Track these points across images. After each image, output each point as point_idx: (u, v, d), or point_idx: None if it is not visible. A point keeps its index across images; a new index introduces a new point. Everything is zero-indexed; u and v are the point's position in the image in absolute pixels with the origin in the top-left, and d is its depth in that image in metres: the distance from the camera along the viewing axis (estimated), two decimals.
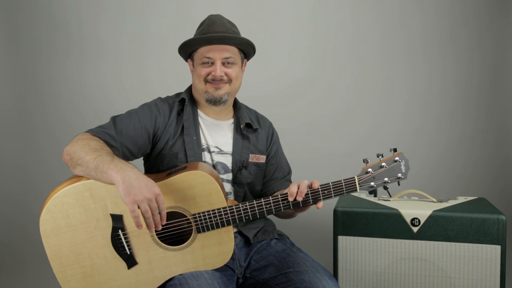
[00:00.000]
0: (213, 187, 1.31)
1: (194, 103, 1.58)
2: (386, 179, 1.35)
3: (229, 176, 1.53)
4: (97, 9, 3.06)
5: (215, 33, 1.47)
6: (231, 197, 1.54)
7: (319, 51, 3.03)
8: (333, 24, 3.01)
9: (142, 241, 1.30)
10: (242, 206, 1.33)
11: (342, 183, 1.33)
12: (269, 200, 1.33)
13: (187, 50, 1.54)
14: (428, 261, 1.69)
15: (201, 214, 1.31)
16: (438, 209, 1.70)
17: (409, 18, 2.94)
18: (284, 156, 1.74)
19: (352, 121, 3.03)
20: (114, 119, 1.44)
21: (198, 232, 1.32)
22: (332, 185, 1.33)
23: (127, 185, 1.15)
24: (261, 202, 1.33)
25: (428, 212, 1.69)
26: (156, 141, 1.48)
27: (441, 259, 1.68)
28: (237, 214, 1.32)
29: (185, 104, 1.55)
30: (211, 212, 1.31)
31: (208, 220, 1.31)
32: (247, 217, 1.33)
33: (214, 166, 1.51)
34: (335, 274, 1.78)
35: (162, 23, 3.04)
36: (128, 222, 1.28)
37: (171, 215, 1.30)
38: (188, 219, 1.32)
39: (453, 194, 2.07)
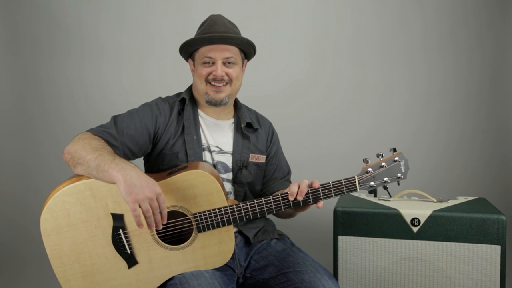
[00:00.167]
0: (214, 187, 1.31)
1: (194, 102, 1.59)
2: (386, 178, 1.36)
3: (229, 175, 1.54)
4: (97, 9, 3.06)
5: (216, 33, 1.47)
6: (231, 196, 1.54)
7: (319, 51, 3.03)
8: (333, 24, 3.01)
9: (142, 240, 1.30)
10: (243, 206, 1.33)
11: (342, 182, 1.33)
12: (270, 199, 1.33)
13: (188, 50, 1.54)
14: (428, 261, 1.69)
15: (202, 214, 1.31)
16: (438, 209, 1.70)
17: (409, 18, 2.95)
18: (284, 157, 1.74)
19: (352, 121, 3.03)
20: (115, 118, 1.44)
21: (199, 231, 1.32)
22: (332, 185, 1.33)
23: (129, 184, 1.15)
24: (262, 201, 1.33)
25: (428, 212, 1.69)
26: (157, 141, 1.49)
27: (441, 259, 1.68)
28: (238, 214, 1.32)
29: (185, 103, 1.55)
30: (211, 212, 1.31)
31: (208, 220, 1.31)
32: (247, 217, 1.34)
33: (214, 166, 1.51)
34: (335, 274, 1.78)
35: (162, 23, 3.05)
36: (129, 222, 1.28)
37: (172, 215, 1.30)
38: (189, 219, 1.32)
39: (453, 194, 2.07)
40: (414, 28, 2.94)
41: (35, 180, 3.12)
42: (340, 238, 1.76)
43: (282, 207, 1.34)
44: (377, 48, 2.99)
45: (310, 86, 3.04)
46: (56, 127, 3.11)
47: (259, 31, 2.80)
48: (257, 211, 1.34)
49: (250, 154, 1.58)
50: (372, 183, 1.35)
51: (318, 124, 3.03)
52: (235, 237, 1.47)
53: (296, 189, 1.31)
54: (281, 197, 1.33)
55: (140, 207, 1.15)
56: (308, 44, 3.03)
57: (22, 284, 2.60)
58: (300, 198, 1.31)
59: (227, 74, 1.49)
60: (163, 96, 1.60)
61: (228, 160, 1.54)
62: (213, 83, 1.49)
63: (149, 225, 1.19)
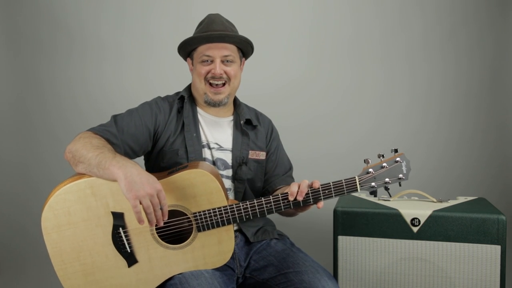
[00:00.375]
0: (214, 186, 1.31)
1: (193, 101, 1.60)
2: (387, 179, 1.35)
3: (229, 172, 1.54)
4: (98, 9, 3.07)
5: (214, 31, 1.48)
6: (231, 193, 1.55)
7: (319, 51, 3.03)
8: (333, 23, 3.01)
9: (142, 239, 1.30)
10: (243, 205, 1.33)
11: (342, 183, 1.33)
12: (270, 199, 1.33)
13: (187, 49, 1.55)
14: (428, 261, 1.69)
15: (202, 213, 1.31)
16: (438, 209, 1.70)
17: (410, 18, 2.95)
18: (285, 153, 1.75)
19: (353, 120, 3.03)
20: (115, 117, 1.46)
21: (199, 231, 1.32)
22: (333, 185, 1.33)
23: (129, 181, 1.16)
24: (262, 201, 1.33)
25: (428, 212, 1.69)
26: (157, 138, 1.49)
27: (441, 259, 1.68)
28: (238, 213, 1.32)
29: (184, 101, 1.56)
30: (211, 211, 1.31)
31: (208, 219, 1.31)
32: (247, 216, 1.33)
33: (214, 163, 1.52)
34: (335, 274, 1.78)
35: (162, 23, 3.05)
36: (129, 220, 1.28)
37: (172, 214, 1.30)
38: (189, 218, 1.32)
39: (453, 194, 2.07)
40: (414, 28, 2.95)
41: (35, 180, 3.12)
42: (340, 238, 1.76)
43: (282, 207, 1.34)
44: (377, 48, 2.99)
45: (311, 86, 3.04)
46: (57, 127, 3.12)
47: (259, 29, 2.81)
48: (257, 211, 1.33)
49: (250, 151, 1.58)
50: (373, 183, 1.35)
51: (319, 123, 3.03)
52: (235, 236, 1.47)
53: (296, 189, 1.31)
54: (281, 197, 1.33)
55: (141, 203, 1.16)
56: (307, 43, 3.03)
57: (22, 284, 2.60)
58: (300, 198, 1.31)
59: (225, 72, 1.50)
60: (163, 96, 1.61)
61: (227, 157, 1.55)
62: (211, 81, 1.50)
63: (150, 222, 1.19)
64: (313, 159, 2.98)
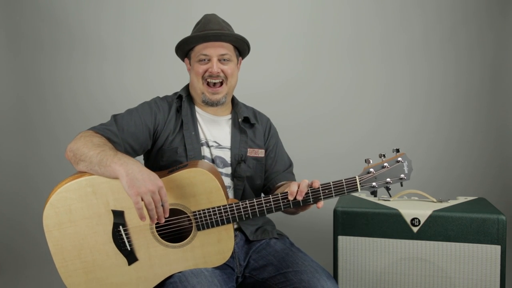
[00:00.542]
0: (214, 185, 1.31)
1: (191, 100, 1.61)
2: (388, 179, 1.34)
3: (228, 170, 1.55)
4: (98, 9, 3.08)
5: (210, 30, 1.50)
6: (231, 190, 1.55)
7: (319, 50, 3.04)
8: (333, 22, 3.02)
9: (142, 237, 1.30)
10: (242, 205, 1.33)
11: (343, 182, 1.33)
12: (269, 198, 1.33)
13: (184, 49, 1.57)
14: (428, 261, 1.69)
15: (201, 212, 1.31)
16: (438, 209, 1.70)
17: (410, 17, 2.95)
18: (284, 150, 1.75)
19: (353, 120, 3.04)
20: (115, 117, 1.47)
21: (198, 229, 1.32)
22: (333, 185, 1.32)
23: (131, 178, 1.16)
24: (261, 200, 1.33)
25: (428, 212, 1.69)
26: (157, 137, 1.51)
27: (441, 259, 1.68)
28: (237, 212, 1.33)
29: (182, 100, 1.57)
30: (211, 210, 1.31)
31: (208, 218, 1.31)
32: (247, 215, 1.33)
33: (213, 161, 1.53)
34: (335, 274, 1.78)
35: (162, 23, 3.06)
36: (129, 218, 1.28)
37: (172, 213, 1.30)
38: (189, 216, 1.32)
39: (453, 194, 2.07)
40: (414, 28, 2.95)
41: (35, 180, 3.12)
42: (340, 238, 1.76)
43: (282, 207, 1.34)
44: (378, 47, 3.00)
45: (311, 85, 3.05)
46: (57, 127, 3.12)
47: (258, 29, 2.82)
48: (257, 210, 1.33)
49: (248, 149, 1.59)
50: (373, 183, 1.34)
51: (319, 123, 3.04)
52: (235, 235, 1.47)
53: (295, 188, 1.31)
54: (281, 196, 1.33)
55: (142, 200, 1.16)
56: (307, 43, 3.04)
57: (22, 284, 2.60)
58: (299, 197, 1.30)
59: (222, 70, 1.52)
60: (161, 96, 1.62)
61: (226, 155, 1.55)
62: (209, 80, 1.52)
63: (151, 218, 1.19)
64: (314, 158, 2.98)
